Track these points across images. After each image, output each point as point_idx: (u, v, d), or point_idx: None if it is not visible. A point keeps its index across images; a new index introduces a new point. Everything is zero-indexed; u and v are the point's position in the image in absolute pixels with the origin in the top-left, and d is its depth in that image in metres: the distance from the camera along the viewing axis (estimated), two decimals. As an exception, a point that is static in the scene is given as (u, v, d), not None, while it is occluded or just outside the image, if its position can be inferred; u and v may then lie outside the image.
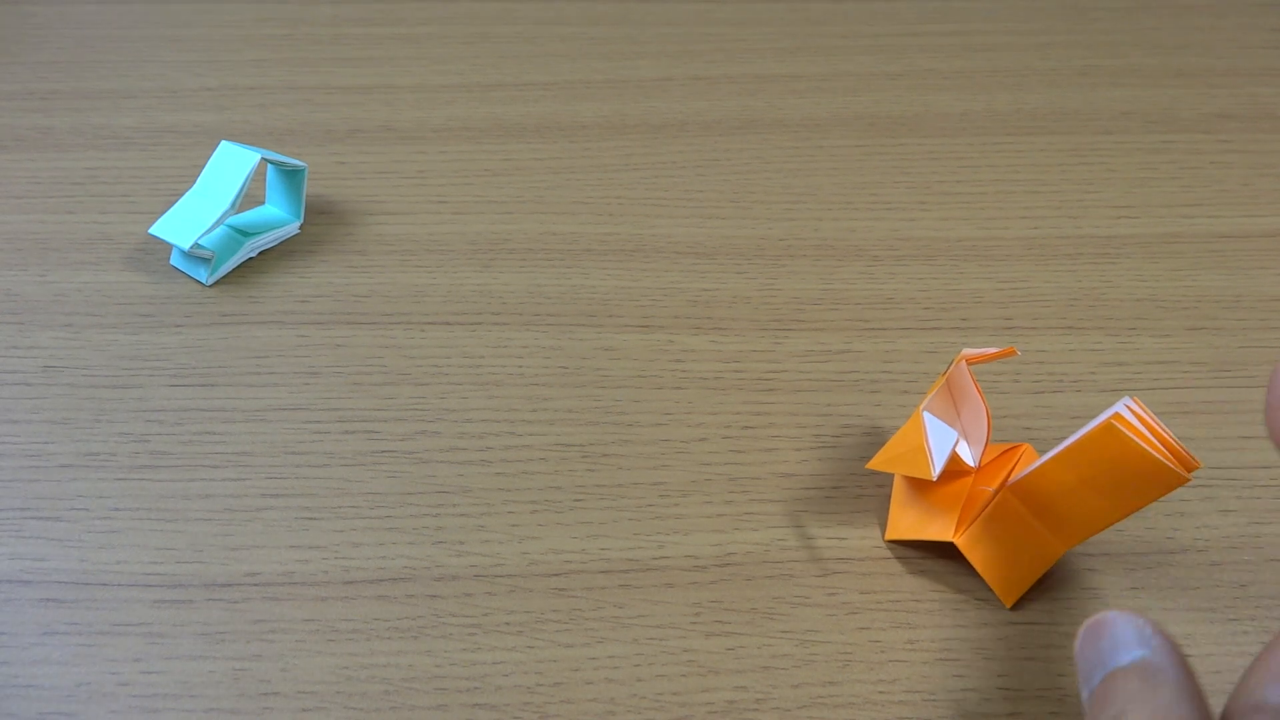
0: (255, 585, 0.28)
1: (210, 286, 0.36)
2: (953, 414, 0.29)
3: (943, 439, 0.27)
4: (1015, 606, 0.28)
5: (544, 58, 0.47)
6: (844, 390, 0.33)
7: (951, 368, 0.28)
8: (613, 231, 0.39)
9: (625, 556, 0.29)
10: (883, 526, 0.30)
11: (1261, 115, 0.44)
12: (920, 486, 0.29)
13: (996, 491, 0.27)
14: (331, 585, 0.28)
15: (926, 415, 0.27)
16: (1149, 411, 0.25)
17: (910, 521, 0.29)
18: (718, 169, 0.42)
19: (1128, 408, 0.25)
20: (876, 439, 0.32)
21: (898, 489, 0.30)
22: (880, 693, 0.26)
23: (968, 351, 0.28)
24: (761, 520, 0.30)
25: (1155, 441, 0.25)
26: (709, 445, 0.32)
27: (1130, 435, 0.24)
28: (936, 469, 0.26)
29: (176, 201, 0.36)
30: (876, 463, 0.28)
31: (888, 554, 0.29)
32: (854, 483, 0.31)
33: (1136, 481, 0.25)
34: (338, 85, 0.45)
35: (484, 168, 0.41)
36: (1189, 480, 0.24)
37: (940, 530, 0.28)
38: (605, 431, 0.32)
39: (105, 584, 0.28)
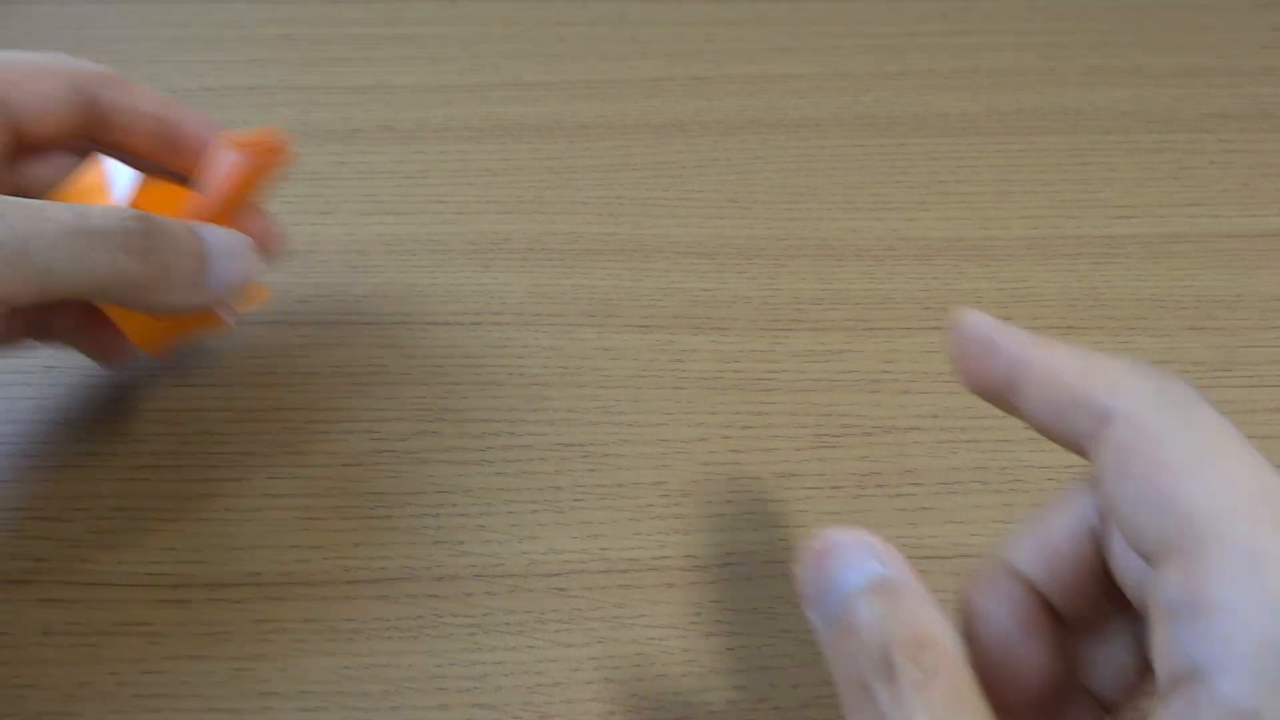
0: (255, 585, 0.28)
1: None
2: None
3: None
4: None
5: (544, 58, 0.47)
6: (844, 390, 0.33)
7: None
8: (613, 231, 0.39)
9: (625, 556, 0.29)
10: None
11: (1261, 115, 0.44)
12: None
13: None
14: (331, 585, 0.28)
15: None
16: (232, 133, 0.29)
17: (164, 331, 0.29)
18: (718, 169, 0.42)
19: (229, 145, 0.28)
20: (877, 439, 0.32)
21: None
22: (880, 693, 0.26)
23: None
24: (761, 520, 0.30)
25: (263, 155, 0.29)
26: (709, 445, 0.32)
27: (258, 170, 0.29)
28: (230, 319, 0.30)
29: None
30: (141, 341, 0.28)
31: (888, 554, 0.29)
32: (854, 483, 0.31)
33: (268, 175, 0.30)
34: (338, 85, 0.45)
35: (484, 168, 0.41)
36: (294, 154, 0.30)
37: (213, 322, 0.30)
38: (605, 431, 0.32)
39: (105, 584, 0.28)
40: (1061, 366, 0.20)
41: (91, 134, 0.29)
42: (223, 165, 0.28)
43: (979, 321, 0.21)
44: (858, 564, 0.19)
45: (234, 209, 0.29)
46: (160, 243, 0.25)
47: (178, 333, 0.29)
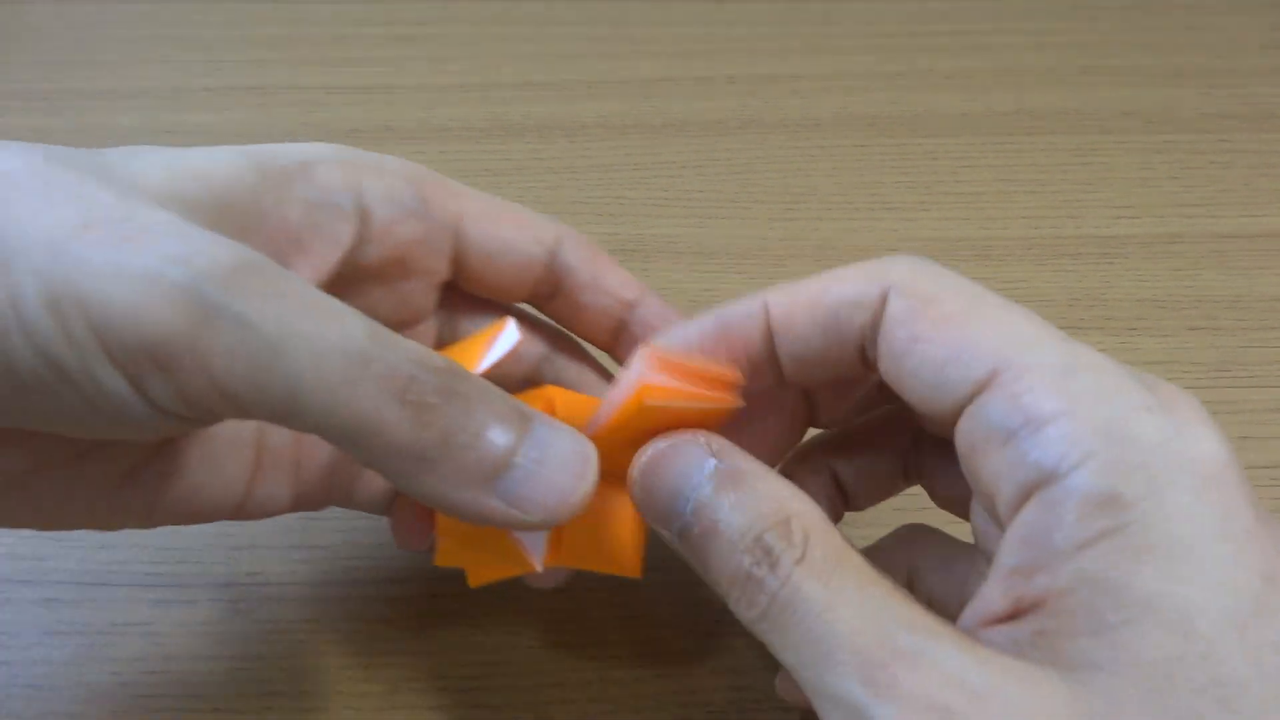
0: (256, 585, 0.28)
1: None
2: None
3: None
4: None
5: (544, 58, 0.47)
6: (844, 390, 0.33)
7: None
8: (613, 231, 0.39)
9: (625, 556, 0.29)
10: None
11: (1261, 115, 0.44)
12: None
13: None
14: (332, 585, 0.28)
15: None
16: (670, 351, 0.21)
17: (482, 557, 0.23)
18: (718, 169, 0.42)
19: (646, 364, 0.20)
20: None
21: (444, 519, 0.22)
22: (880, 693, 0.26)
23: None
24: (761, 520, 0.30)
25: (692, 388, 0.20)
26: (709, 445, 0.32)
27: (669, 403, 0.19)
28: (537, 560, 0.21)
29: None
30: (448, 557, 0.22)
31: (888, 554, 0.29)
32: (854, 483, 0.31)
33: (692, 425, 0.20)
34: (338, 85, 0.45)
35: (484, 168, 0.41)
36: (740, 405, 0.21)
37: (522, 560, 0.22)
38: (605, 431, 0.32)
39: (106, 584, 0.28)
40: (812, 287, 0.20)
41: (545, 302, 0.25)
42: (628, 384, 0.20)
43: (688, 325, 0.22)
44: (695, 465, 0.19)
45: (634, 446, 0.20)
46: (451, 408, 0.18)
47: (486, 555, 0.22)
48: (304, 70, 0.46)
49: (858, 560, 0.17)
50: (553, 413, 0.21)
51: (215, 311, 0.16)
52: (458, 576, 0.28)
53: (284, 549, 0.29)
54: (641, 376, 0.19)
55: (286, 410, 0.17)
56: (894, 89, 0.46)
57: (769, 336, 0.21)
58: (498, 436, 0.18)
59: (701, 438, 0.19)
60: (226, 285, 0.16)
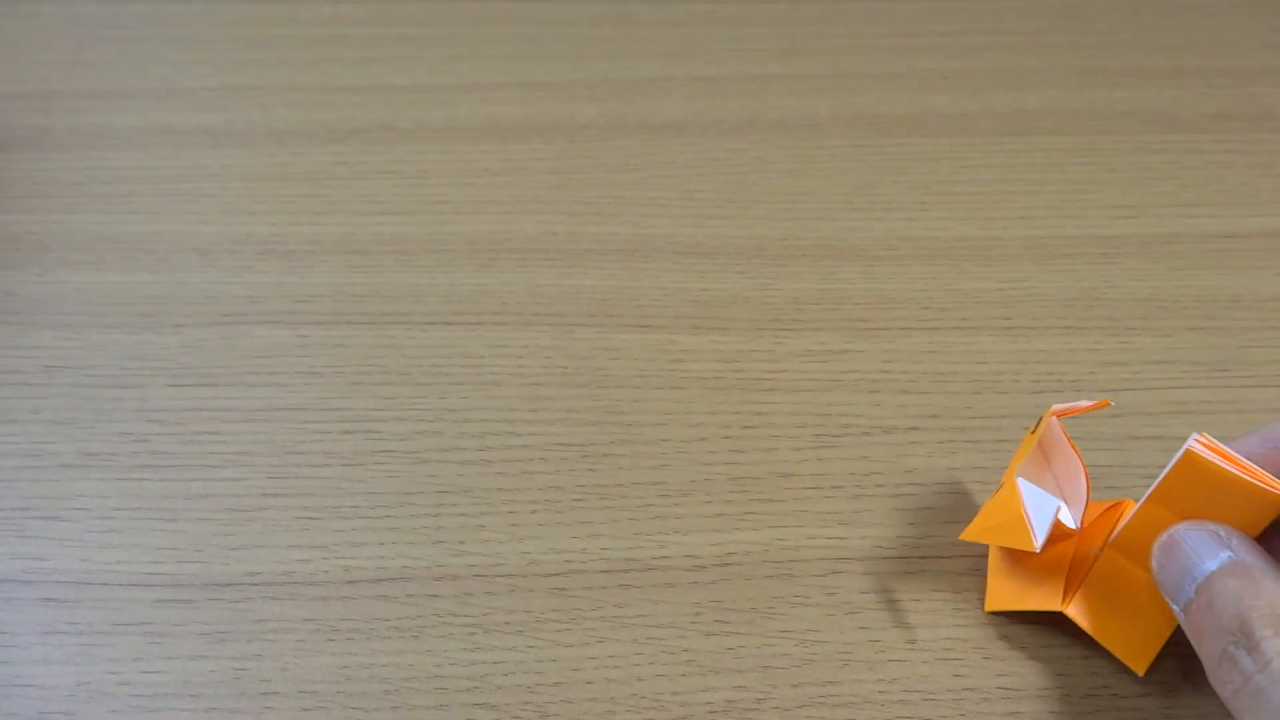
0: (255, 585, 0.28)
1: (209, 286, 0.36)
2: (1047, 475, 0.27)
3: (1043, 507, 0.26)
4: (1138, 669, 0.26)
5: (544, 58, 0.47)
6: (844, 390, 0.33)
7: (1042, 425, 0.27)
8: (613, 231, 0.39)
9: (625, 556, 0.29)
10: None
11: (1261, 115, 0.44)
12: (1019, 554, 0.28)
13: (1100, 551, 0.26)
14: (331, 585, 0.28)
15: (1022, 483, 0.26)
16: (1219, 444, 0.24)
17: (1012, 591, 0.27)
18: (718, 169, 0.42)
19: (1197, 440, 0.23)
20: (877, 439, 0.32)
21: (994, 557, 0.28)
22: (880, 693, 0.26)
23: (1057, 407, 0.27)
24: (761, 520, 0.30)
25: (1240, 468, 0.23)
26: (709, 445, 0.32)
27: (1214, 459, 0.23)
28: (1039, 540, 0.25)
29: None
30: (972, 533, 0.27)
31: (888, 554, 0.29)
32: (854, 482, 0.31)
33: (1236, 512, 0.23)
34: (338, 85, 0.45)
35: (484, 168, 0.41)
36: None
37: (1046, 599, 0.26)
38: (605, 431, 0.32)
39: (106, 583, 0.28)
40: None
41: None
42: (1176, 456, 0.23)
43: (1232, 445, 0.23)
44: (1207, 551, 0.21)
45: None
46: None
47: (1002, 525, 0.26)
48: (304, 70, 0.46)
49: None
50: (1121, 517, 0.26)
51: None
52: (457, 576, 0.29)
53: (284, 549, 0.29)
54: (1188, 443, 0.23)
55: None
56: (894, 89, 0.46)
57: None
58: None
59: (1223, 530, 0.21)
60: None
